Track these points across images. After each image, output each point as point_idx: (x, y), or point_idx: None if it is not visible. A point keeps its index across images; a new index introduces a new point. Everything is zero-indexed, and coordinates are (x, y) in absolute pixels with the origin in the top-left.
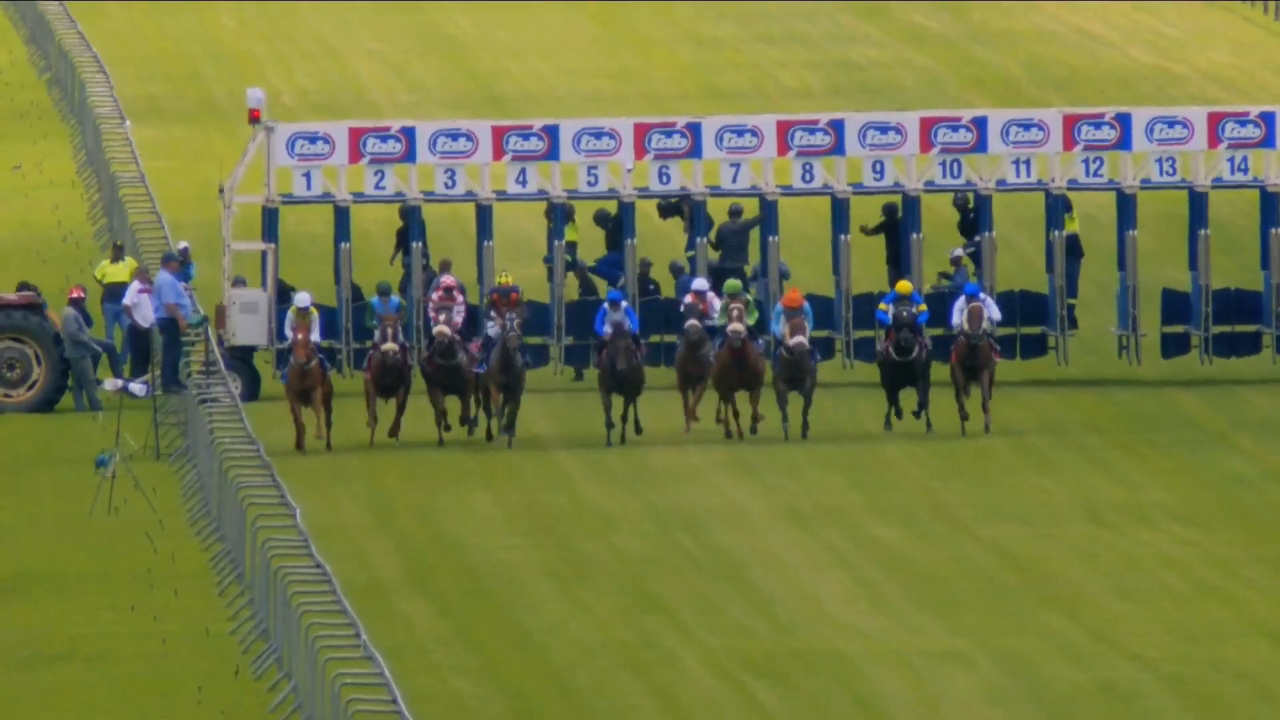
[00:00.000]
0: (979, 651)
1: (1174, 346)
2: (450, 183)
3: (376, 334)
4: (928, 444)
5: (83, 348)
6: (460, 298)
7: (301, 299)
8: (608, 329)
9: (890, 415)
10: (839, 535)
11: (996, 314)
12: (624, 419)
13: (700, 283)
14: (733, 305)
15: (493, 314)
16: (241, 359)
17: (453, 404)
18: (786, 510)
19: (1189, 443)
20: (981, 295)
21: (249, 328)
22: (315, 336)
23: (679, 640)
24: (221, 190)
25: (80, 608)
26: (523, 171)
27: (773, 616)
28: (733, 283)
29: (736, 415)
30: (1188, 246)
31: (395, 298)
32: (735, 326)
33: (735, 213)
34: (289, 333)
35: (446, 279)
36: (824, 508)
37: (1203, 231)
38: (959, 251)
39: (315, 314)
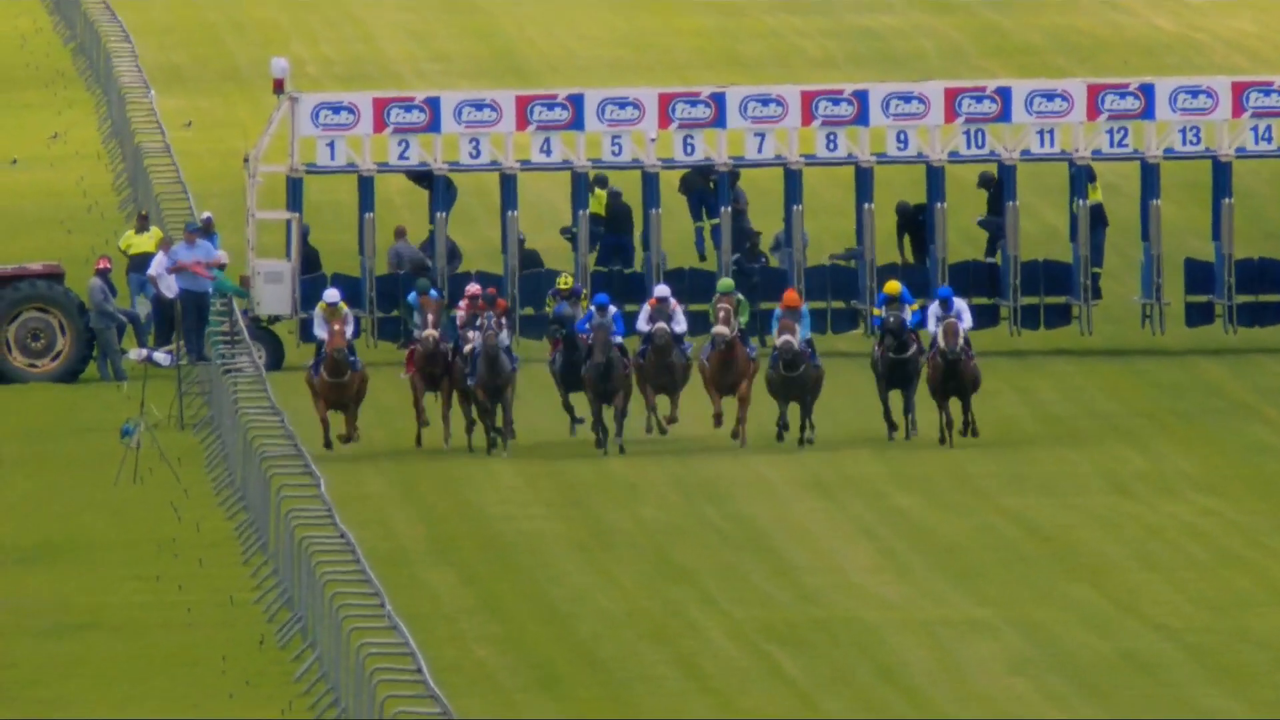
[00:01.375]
0: (1002, 621)
1: (1198, 316)
2: (475, 152)
3: (416, 318)
4: (951, 413)
5: (107, 318)
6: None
7: (331, 295)
8: (590, 326)
9: (888, 420)
10: (863, 505)
11: (969, 320)
12: (600, 424)
13: (662, 289)
14: (720, 305)
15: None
16: (266, 329)
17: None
18: (810, 480)
19: (1213, 412)
20: (955, 303)
21: (274, 297)
22: (348, 331)
23: (703, 610)
24: (246, 160)
25: (105, 577)
26: (547, 141)
27: (797, 586)
28: (725, 282)
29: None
30: (1211, 216)
31: (435, 291)
32: (720, 329)
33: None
34: (318, 330)
35: (472, 287)
36: (848, 478)
37: (1226, 201)
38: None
39: (345, 309)
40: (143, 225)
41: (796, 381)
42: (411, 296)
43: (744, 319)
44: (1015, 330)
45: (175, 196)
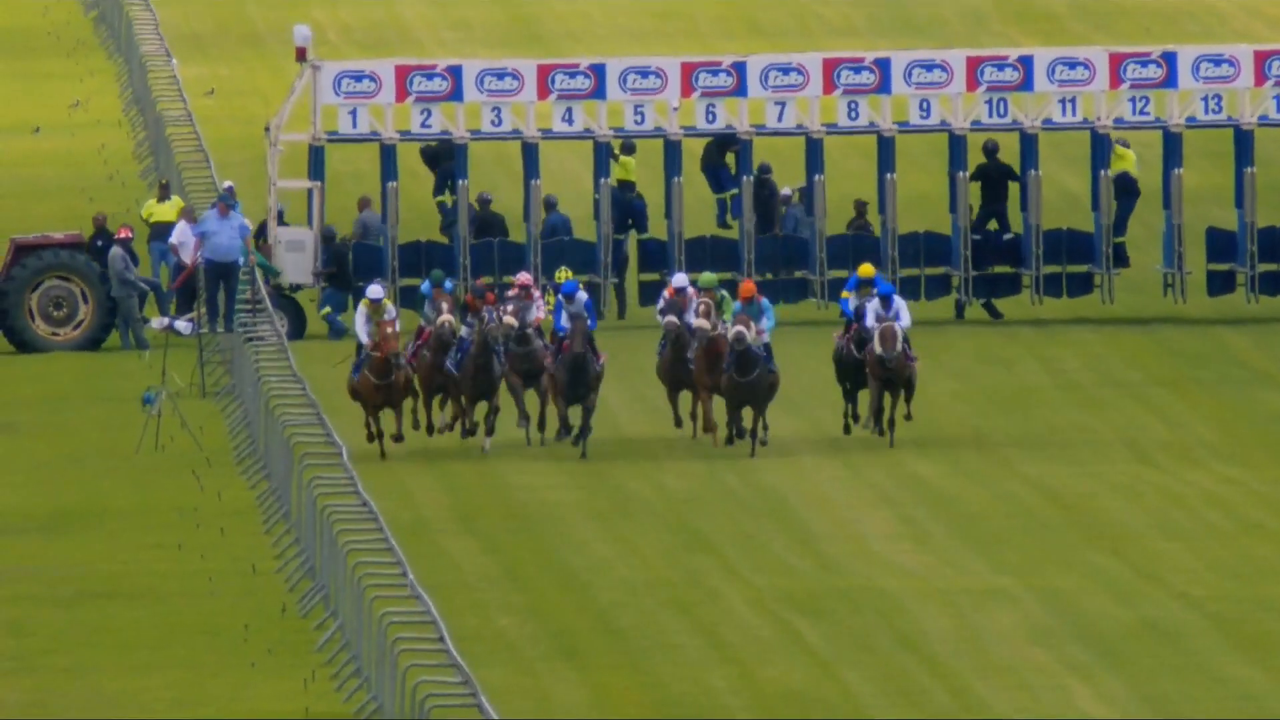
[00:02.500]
0: (1023, 589)
1: (1220, 284)
2: (496, 121)
3: (428, 309)
4: (972, 381)
5: (129, 286)
6: (538, 294)
7: (375, 290)
8: (565, 322)
9: (849, 416)
10: (883, 473)
11: (908, 319)
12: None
13: (680, 279)
14: (700, 300)
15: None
16: (288, 297)
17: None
18: (831, 448)
19: (1234, 381)
20: (895, 300)
21: (295, 266)
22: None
23: (724, 578)
24: (268, 128)
25: (126, 545)
26: (569, 110)
27: (817, 554)
28: (707, 276)
29: (694, 417)
30: (1234, 184)
31: (449, 282)
32: (700, 323)
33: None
34: (362, 329)
35: (522, 276)
36: (868, 445)
37: (1249, 169)
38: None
39: (389, 305)
40: (164, 194)
41: (749, 387)
42: (425, 286)
43: (726, 316)
44: (1037, 299)
45: (197, 165)
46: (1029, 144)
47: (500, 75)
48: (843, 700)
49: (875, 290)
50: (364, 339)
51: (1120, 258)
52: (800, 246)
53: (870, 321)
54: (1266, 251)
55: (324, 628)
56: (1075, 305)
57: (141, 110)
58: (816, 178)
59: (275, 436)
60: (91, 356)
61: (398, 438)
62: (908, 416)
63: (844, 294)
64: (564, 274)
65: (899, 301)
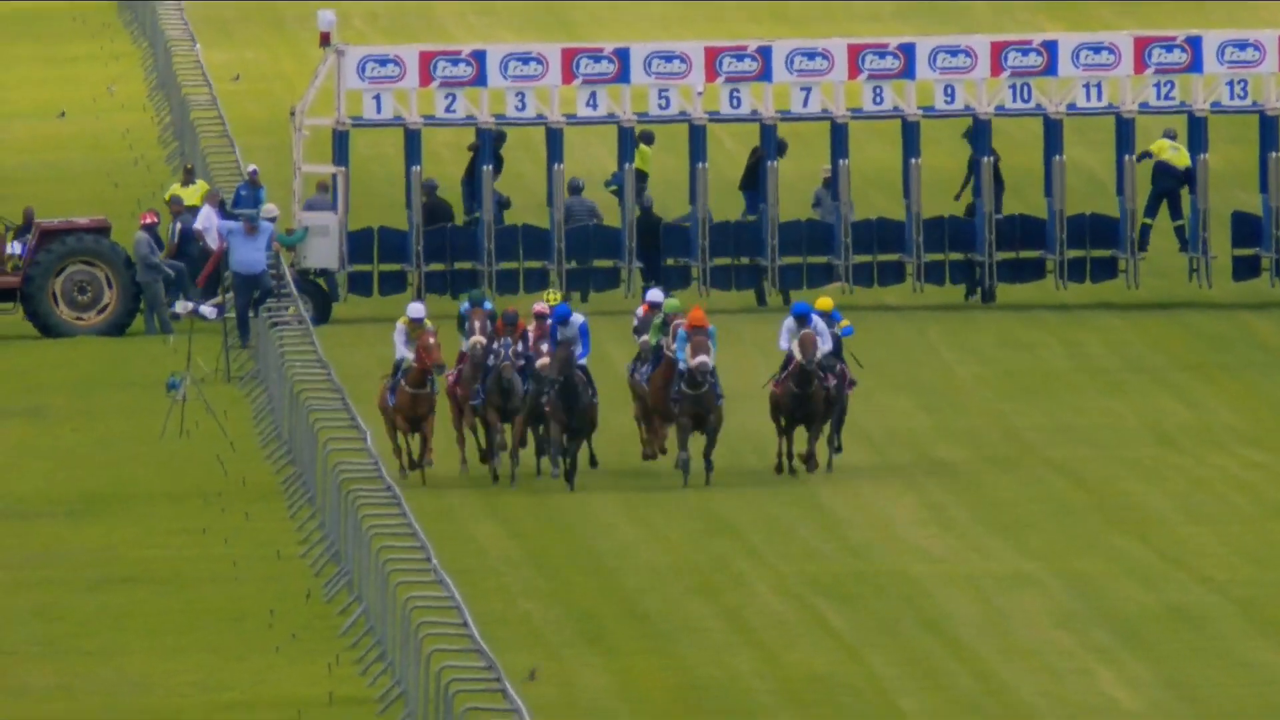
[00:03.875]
0: (1048, 574)
1: (1244, 269)
2: (520, 106)
3: (466, 330)
4: (996, 366)
5: (154, 271)
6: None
7: (416, 309)
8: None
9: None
10: (908, 458)
11: (828, 343)
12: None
13: (656, 294)
14: (676, 323)
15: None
16: (312, 282)
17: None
18: (856, 433)
19: (1259, 365)
20: (814, 320)
21: (320, 251)
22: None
23: (749, 563)
24: (292, 113)
25: (151, 530)
26: (593, 95)
27: (842, 539)
28: (672, 302)
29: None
30: (1258, 169)
31: (489, 303)
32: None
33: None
34: (402, 348)
35: (539, 306)
36: (893, 431)
37: (1274, 154)
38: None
39: (430, 326)
40: (189, 178)
41: (698, 400)
42: (464, 307)
43: (653, 338)
44: (1061, 284)
45: (221, 149)
46: (1053, 129)
47: (525, 60)
48: (867, 684)
49: (833, 319)
50: (406, 354)
51: (1143, 242)
52: (826, 231)
53: (784, 343)
54: None
55: (348, 612)
56: (1099, 290)
57: (166, 94)
58: (841, 162)
59: (300, 421)
60: (116, 341)
61: (429, 462)
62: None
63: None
64: (553, 296)
65: (819, 321)
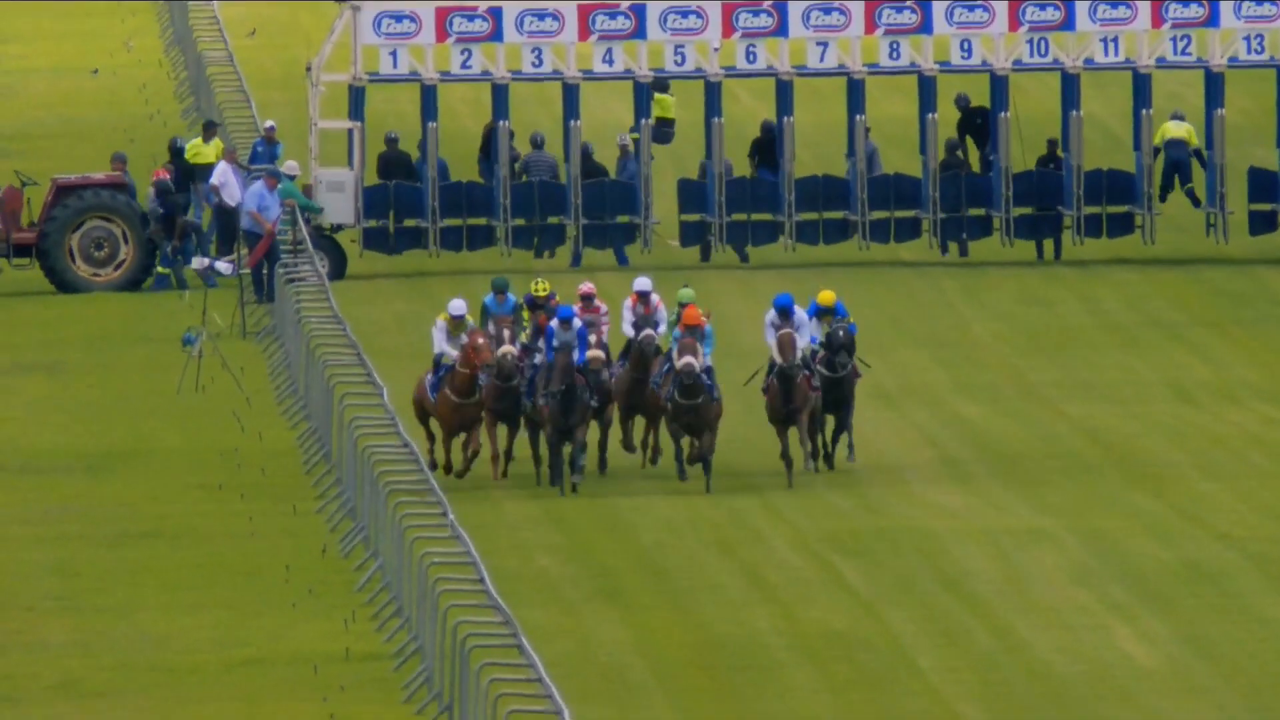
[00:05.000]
0: (1065, 530)
1: (1261, 224)
2: (537, 62)
3: (491, 328)
4: (1014, 322)
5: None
6: (603, 307)
7: (458, 306)
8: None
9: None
10: (926, 414)
11: (809, 334)
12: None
13: (643, 281)
14: (682, 338)
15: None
16: (328, 238)
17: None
18: (873, 389)
19: (1276, 320)
20: (796, 313)
21: (336, 206)
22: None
23: (766, 519)
24: (309, 69)
25: (168, 486)
26: (609, 51)
27: (860, 495)
28: (686, 292)
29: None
30: (1275, 124)
31: (512, 296)
32: (688, 361)
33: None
34: (444, 346)
35: (585, 286)
36: (911, 386)
37: None
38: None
39: (471, 322)
40: (209, 134)
41: (694, 411)
42: (489, 299)
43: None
44: (1078, 239)
45: (238, 105)
46: (1070, 84)
47: (541, 16)
48: (885, 640)
49: (837, 314)
50: (449, 351)
51: (1161, 197)
52: (842, 187)
53: (770, 338)
54: None
55: (365, 568)
56: (1116, 245)
57: (183, 50)
58: (857, 118)
59: (316, 377)
60: (133, 297)
61: (476, 453)
62: (813, 453)
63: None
64: (543, 287)
65: (800, 313)
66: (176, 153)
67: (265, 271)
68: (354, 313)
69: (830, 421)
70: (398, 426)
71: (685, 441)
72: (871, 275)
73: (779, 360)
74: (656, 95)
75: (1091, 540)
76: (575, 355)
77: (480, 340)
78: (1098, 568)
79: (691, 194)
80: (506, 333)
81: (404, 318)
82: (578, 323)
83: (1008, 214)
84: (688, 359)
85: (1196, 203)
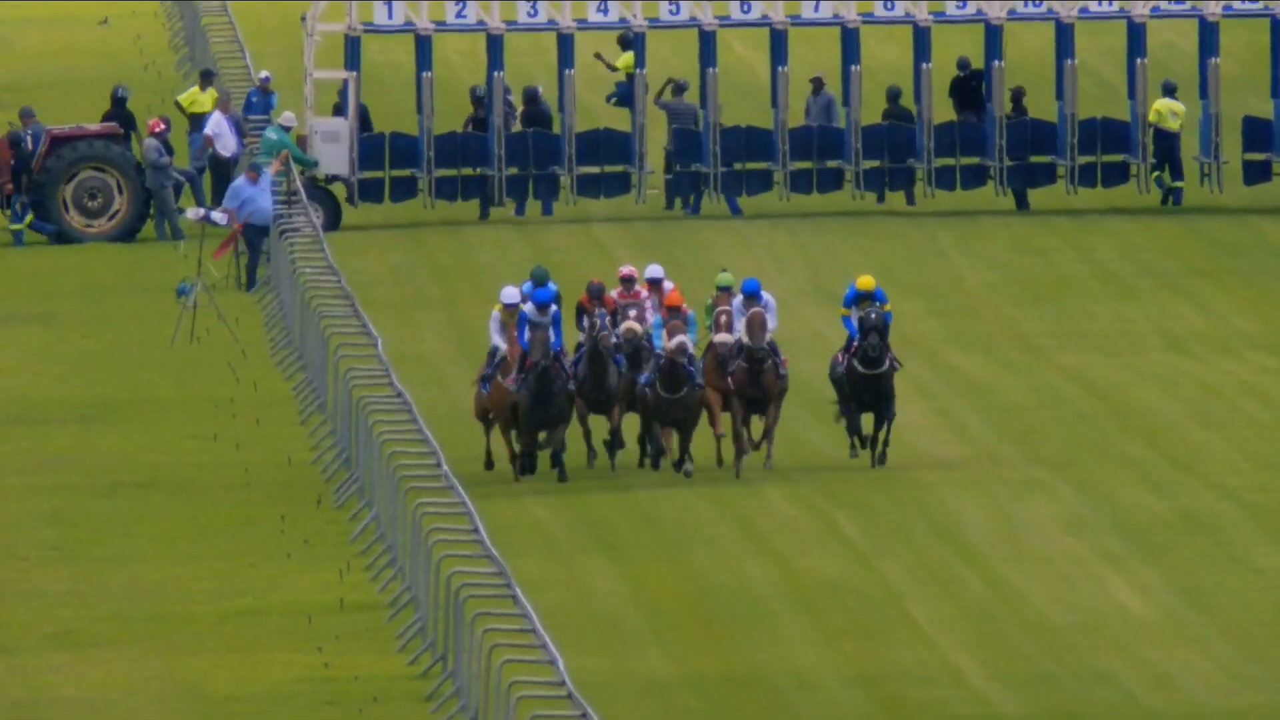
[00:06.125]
0: (1059, 480)
1: (1256, 173)
2: (533, 11)
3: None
4: (1008, 272)
5: (164, 176)
6: (643, 292)
7: (510, 294)
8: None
9: (855, 443)
10: (919, 364)
11: (775, 321)
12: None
13: (655, 269)
14: (720, 310)
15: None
16: (323, 189)
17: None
18: None
19: (1271, 270)
20: (764, 297)
21: (331, 157)
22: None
23: (760, 471)
24: (304, 19)
25: (163, 436)
26: (604, 2)
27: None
28: (724, 276)
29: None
30: (1270, 73)
31: (553, 284)
32: (723, 337)
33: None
34: (496, 337)
35: (625, 269)
36: (904, 336)
37: None
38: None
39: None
40: (205, 82)
41: (678, 405)
42: (526, 287)
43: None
44: (1073, 189)
45: (232, 55)
46: (1065, 33)
47: None
48: (879, 590)
49: (876, 299)
50: (501, 344)
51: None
52: (835, 136)
53: (738, 324)
54: None
55: (359, 518)
56: (1111, 195)
57: (178, 1)
58: (852, 68)
59: (311, 328)
60: (127, 247)
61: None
62: (757, 444)
63: (843, 310)
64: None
65: (767, 297)
66: (118, 102)
67: (244, 263)
68: (349, 264)
69: (868, 421)
70: (392, 377)
71: (675, 442)
72: (864, 225)
73: (746, 340)
74: (623, 53)
75: (1085, 490)
76: (550, 337)
77: (539, 335)
78: (1092, 518)
79: (687, 144)
80: (539, 339)
81: (399, 269)
82: (554, 308)
83: (1001, 163)
84: (680, 338)
85: (1167, 195)
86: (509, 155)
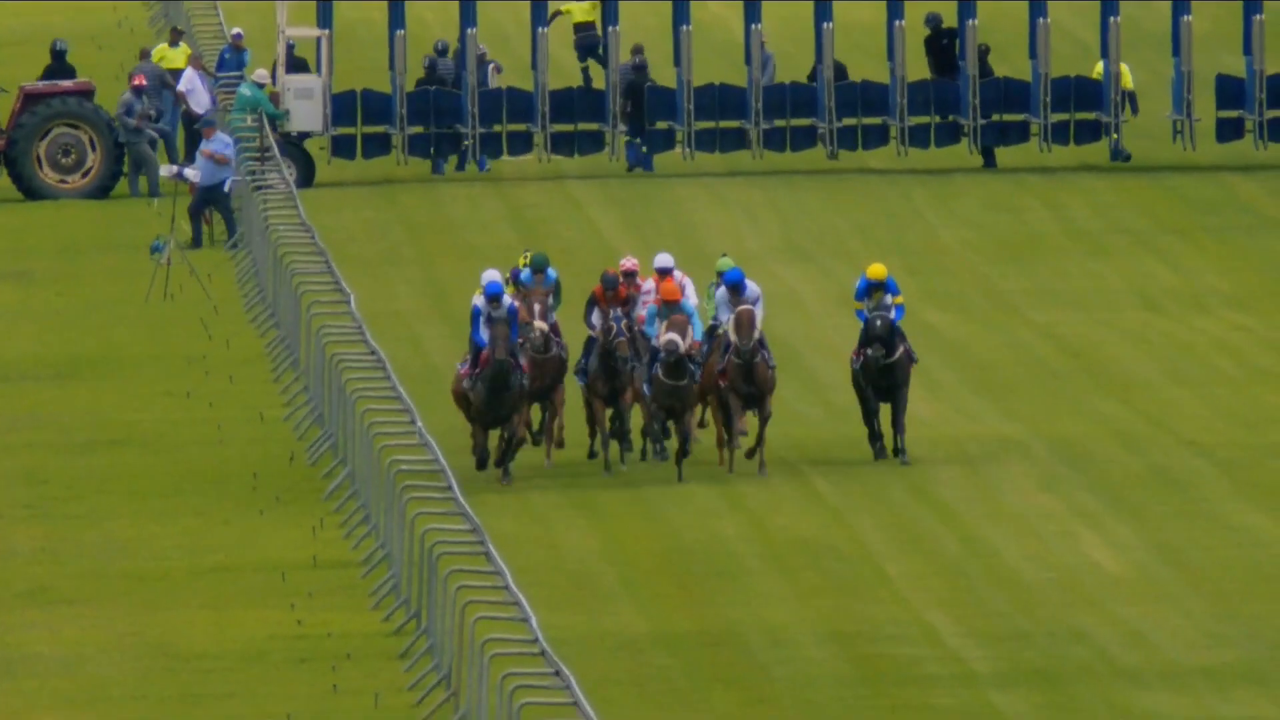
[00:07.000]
0: (1033, 437)
1: (1229, 131)
2: None
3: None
4: (982, 230)
5: (137, 133)
6: (644, 284)
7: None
8: (485, 330)
9: (877, 449)
10: None
11: (763, 311)
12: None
13: (664, 259)
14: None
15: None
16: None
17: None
18: (840, 296)
19: (1243, 228)
20: (749, 288)
21: (305, 114)
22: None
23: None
24: None
25: (136, 393)
26: None
27: (827, 404)
28: (725, 260)
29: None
30: (1242, 31)
31: (552, 271)
32: (671, 338)
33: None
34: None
35: (628, 262)
36: None
37: (1258, 17)
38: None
39: (509, 301)
40: (175, 40)
41: (676, 393)
42: (525, 275)
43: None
44: (1045, 146)
45: (205, 11)
46: None
47: None
48: (853, 548)
49: (888, 289)
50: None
51: (1131, 105)
52: (809, 95)
53: (724, 315)
54: (1275, 98)
55: (332, 475)
56: (1083, 153)
57: None
58: (825, 25)
59: (284, 285)
60: (100, 205)
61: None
62: (752, 450)
63: (855, 304)
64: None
65: (753, 287)
66: (57, 55)
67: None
68: (322, 220)
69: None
70: (365, 334)
71: (673, 438)
72: (838, 183)
73: (735, 340)
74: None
75: (1059, 447)
76: (510, 330)
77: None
78: (1066, 475)
79: (662, 101)
80: (538, 307)
81: (371, 225)
82: (507, 300)
83: (975, 122)
84: (672, 335)
85: (1124, 158)
86: (482, 112)
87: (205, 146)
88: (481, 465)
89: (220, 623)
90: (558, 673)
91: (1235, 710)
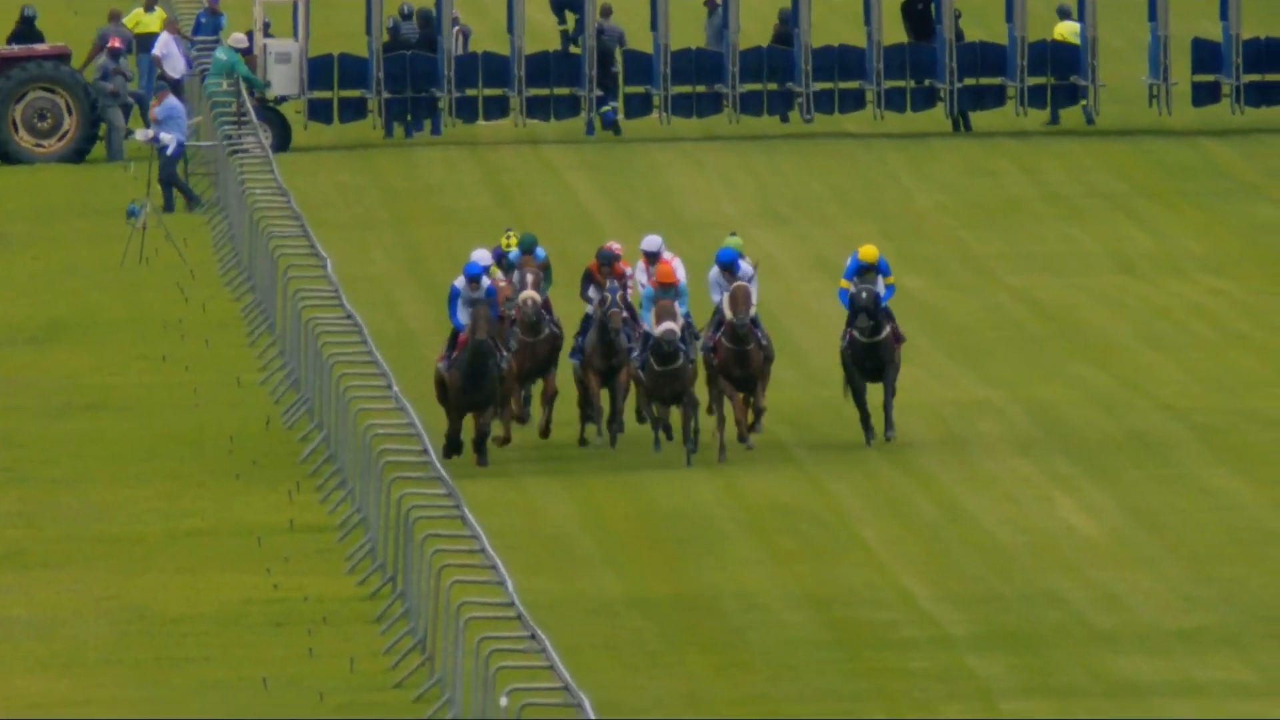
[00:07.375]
0: (1008, 401)
1: (1205, 95)
2: None
3: (515, 280)
4: (957, 193)
5: (113, 97)
6: (627, 269)
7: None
8: (464, 316)
9: (867, 431)
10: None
11: (756, 292)
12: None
13: (652, 241)
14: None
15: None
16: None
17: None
18: (816, 260)
19: (1220, 193)
20: (742, 267)
21: (282, 78)
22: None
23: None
24: None
25: (112, 357)
26: None
27: (804, 367)
28: (733, 240)
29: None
30: None
31: (541, 250)
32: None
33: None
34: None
35: (612, 245)
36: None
37: None
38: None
39: (488, 283)
40: (151, 4)
41: (672, 376)
42: (514, 255)
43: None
44: (1022, 110)
45: None
46: None
47: None
48: (829, 512)
49: (879, 271)
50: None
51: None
52: (787, 58)
53: (716, 296)
54: (1251, 62)
55: (308, 440)
56: (1060, 116)
57: None
58: None
59: (260, 249)
60: (76, 169)
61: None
62: (754, 424)
63: (842, 283)
64: (513, 241)
65: (746, 267)
66: (26, 20)
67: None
68: (298, 184)
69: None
70: (341, 298)
71: (677, 419)
72: (814, 147)
73: (730, 315)
74: None
75: (1035, 411)
76: (491, 312)
77: (503, 283)
78: (1041, 439)
79: (639, 66)
80: (530, 277)
81: (347, 189)
82: (486, 281)
83: (953, 85)
84: (668, 324)
85: (1055, 119)
86: (458, 77)
87: (153, 111)
88: (449, 453)
89: (196, 586)
90: (533, 636)
91: (1210, 673)
